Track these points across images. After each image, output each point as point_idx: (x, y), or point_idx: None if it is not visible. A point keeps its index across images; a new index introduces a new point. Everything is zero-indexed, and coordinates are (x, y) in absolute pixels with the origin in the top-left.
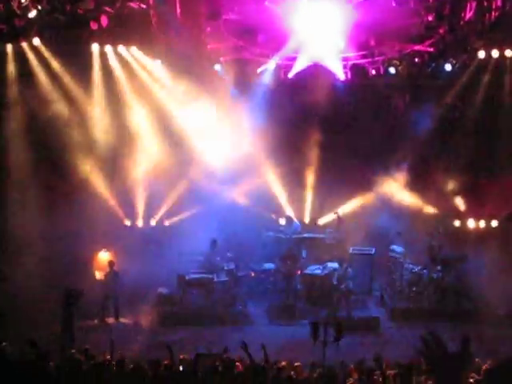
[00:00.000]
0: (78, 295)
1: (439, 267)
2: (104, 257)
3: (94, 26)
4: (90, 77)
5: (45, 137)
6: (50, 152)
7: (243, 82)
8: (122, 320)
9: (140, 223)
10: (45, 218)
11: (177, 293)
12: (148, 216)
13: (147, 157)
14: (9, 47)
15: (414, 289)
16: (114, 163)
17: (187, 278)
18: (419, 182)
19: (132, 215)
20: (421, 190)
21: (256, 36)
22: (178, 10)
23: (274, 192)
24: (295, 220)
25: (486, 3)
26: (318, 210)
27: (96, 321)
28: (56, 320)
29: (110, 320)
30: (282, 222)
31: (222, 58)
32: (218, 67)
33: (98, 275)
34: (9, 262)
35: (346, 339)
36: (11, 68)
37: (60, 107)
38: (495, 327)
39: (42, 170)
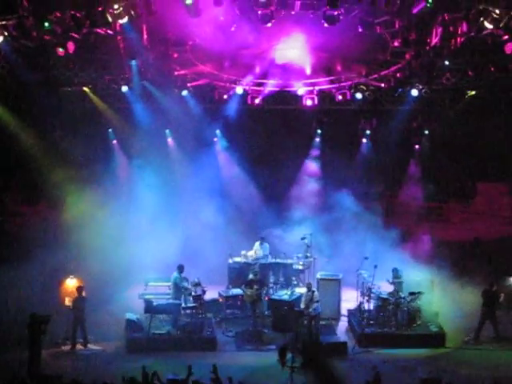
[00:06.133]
0: (45, 321)
1: (407, 293)
2: (71, 283)
3: (60, 52)
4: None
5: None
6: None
7: (210, 108)
8: (91, 346)
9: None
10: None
11: (144, 319)
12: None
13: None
14: None
15: (382, 314)
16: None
17: (155, 303)
18: (387, 207)
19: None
20: (389, 215)
21: (223, 62)
22: (145, 36)
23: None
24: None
25: (451, 28)
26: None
27: (64, 347)
28: (23, 345)
29: (79, 346)
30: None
31: (189, 84)
32: (185, 93)
33: (67, 301)
34: None
35: None
36: None
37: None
38: (461, 351)
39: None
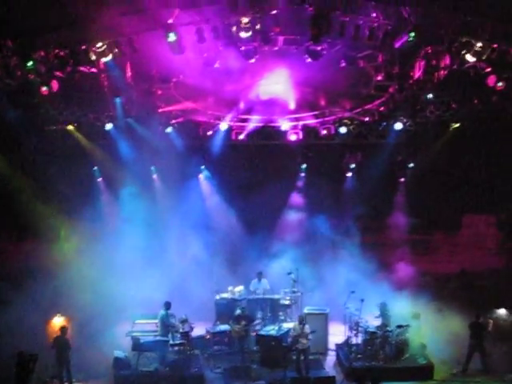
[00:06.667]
0: (33, 359)
1: (394, 326)
2: (58, 321)
3: (44, 91)
4: None
5: None
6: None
7: (194, 145)
8: None
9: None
10: None
11: (132, 356)
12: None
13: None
14: None
15: (370, 347)
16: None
17: (142, 341)
18: (371, 239)
19: None
20: (373, 247)
21: (207, 98)
22: (129, 74)
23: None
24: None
25: (434, 61)
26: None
27: None
28: None
29: None
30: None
31: (173, 121)
32: (169, 130)
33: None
34: None
35: None
36: None
37: None
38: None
39: None
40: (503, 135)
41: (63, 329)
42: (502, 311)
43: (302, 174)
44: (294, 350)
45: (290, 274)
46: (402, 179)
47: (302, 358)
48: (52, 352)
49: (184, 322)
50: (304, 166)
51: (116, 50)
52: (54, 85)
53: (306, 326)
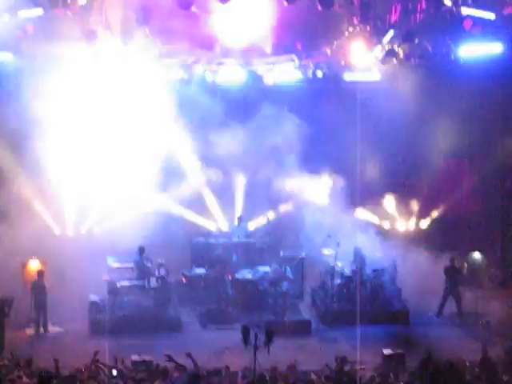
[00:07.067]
0: (8, 304)
1: (370, 270)
2: (34, 265)
3: None
4: None
5: None
6: None
7: None
8: (53, 329)
9: (70, 231)
10: None
11: (108, 300)
12: (77, 224)
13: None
14: None
15: (345, 291)
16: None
17: (118, 285)
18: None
19: (61, 223)
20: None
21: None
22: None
23: (205, 197)
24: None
25: (410, 5)
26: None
27: (27, 330)
28: None
29: (42, 330)
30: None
31: None
32: None
33: (29, 285)
34: None
35: (277, 343)
36: None
37: None
38: (425, 328)
39: None
40: None
41: (40, 273)
42: (477, 255)
43: None
44: (271, 293)
45: (266, 217)
46: None
47: (281, 301)
48: (28, 296)
49: (160, 265)
50: None
51: None
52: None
53: (288, 269)
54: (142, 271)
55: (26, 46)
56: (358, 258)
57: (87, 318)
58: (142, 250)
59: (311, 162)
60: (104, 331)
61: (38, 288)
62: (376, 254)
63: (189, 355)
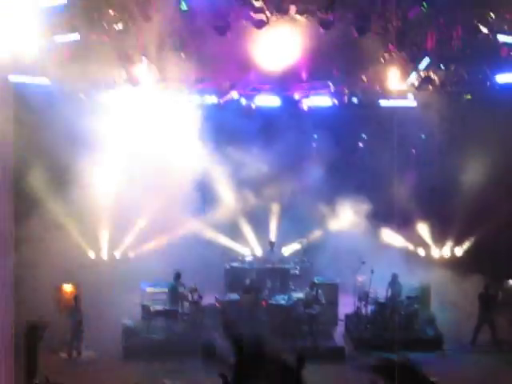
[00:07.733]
0: (43, 328)
1: (404, 297)
2: (69, 289)
3: None
4: None
5: None
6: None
7: None
8: (87, 353)
9: (104, 255)
10: None
11: (142, 324)
12: (112, 248)
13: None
14: None
15: (379, 318)
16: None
17: (152, 309)
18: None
19: (96, 247)
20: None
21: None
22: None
23: (239, 222)
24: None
25: (446, 32)
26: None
27: (62, 355)
28: (19, 352)
29: (75, 354)
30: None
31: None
32: None
33: (64, 310)
34: None
35: (310, 369)
36: None
37: None
38: (460, 354)
39: None
40: None
41: (77, 298)
42: None
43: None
44: (303, 317)
45: (300, 243)
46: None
47: (313, 325)
48: (63, 319)
49: (194, 290)
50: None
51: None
52: None
53: (319, 292)
54: (176, 296)
55: (62, 70)
56: (395, 284)
57: (120, 343)
58: (178, 276)
59: (345, 187)
60: (137, 355)
61: (75, 312)
62: (410, 281)
63: (222, 376)
